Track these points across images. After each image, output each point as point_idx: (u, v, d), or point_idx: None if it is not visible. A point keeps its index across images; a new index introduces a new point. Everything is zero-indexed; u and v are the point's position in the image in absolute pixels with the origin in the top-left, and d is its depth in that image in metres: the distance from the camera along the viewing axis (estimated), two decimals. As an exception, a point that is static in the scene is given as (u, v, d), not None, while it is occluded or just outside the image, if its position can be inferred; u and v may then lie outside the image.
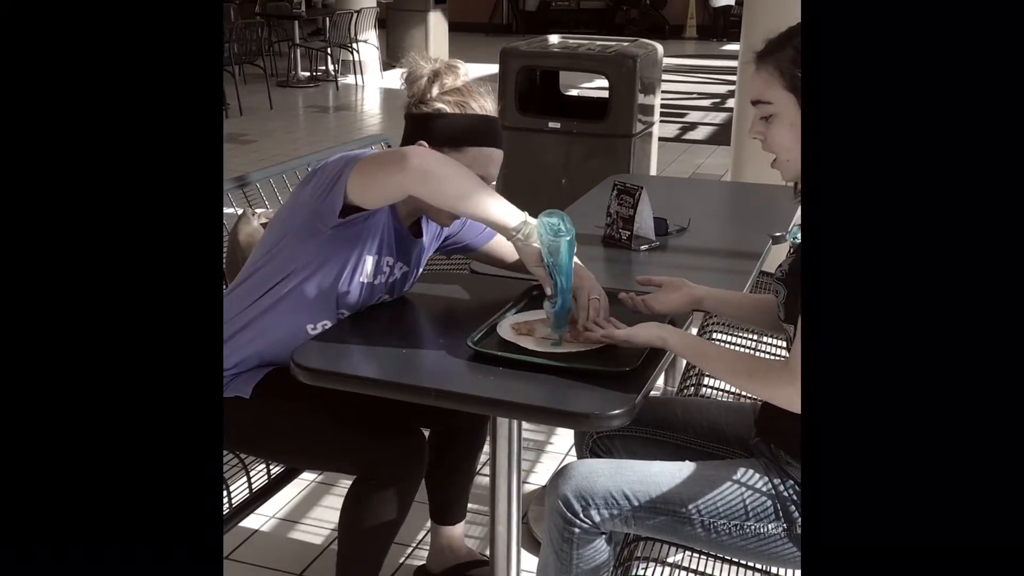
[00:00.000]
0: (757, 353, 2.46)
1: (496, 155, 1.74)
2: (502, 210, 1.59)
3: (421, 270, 1.90)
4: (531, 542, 2.21)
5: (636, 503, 1.48)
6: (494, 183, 1.75)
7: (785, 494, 1.47)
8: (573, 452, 2.54)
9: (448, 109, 1.70)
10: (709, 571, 1.61)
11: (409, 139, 1.73)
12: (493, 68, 4.33)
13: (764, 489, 1.48)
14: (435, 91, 1.71)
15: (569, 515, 1.50)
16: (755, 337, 2.56)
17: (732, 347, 2.47)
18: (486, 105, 1.74)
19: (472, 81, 1.77)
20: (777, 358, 1.55)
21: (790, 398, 1.37)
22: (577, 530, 1.50)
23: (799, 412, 1.39)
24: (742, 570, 1.62)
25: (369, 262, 1.72)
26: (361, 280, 1.72)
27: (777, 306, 1.55)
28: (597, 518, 1.49)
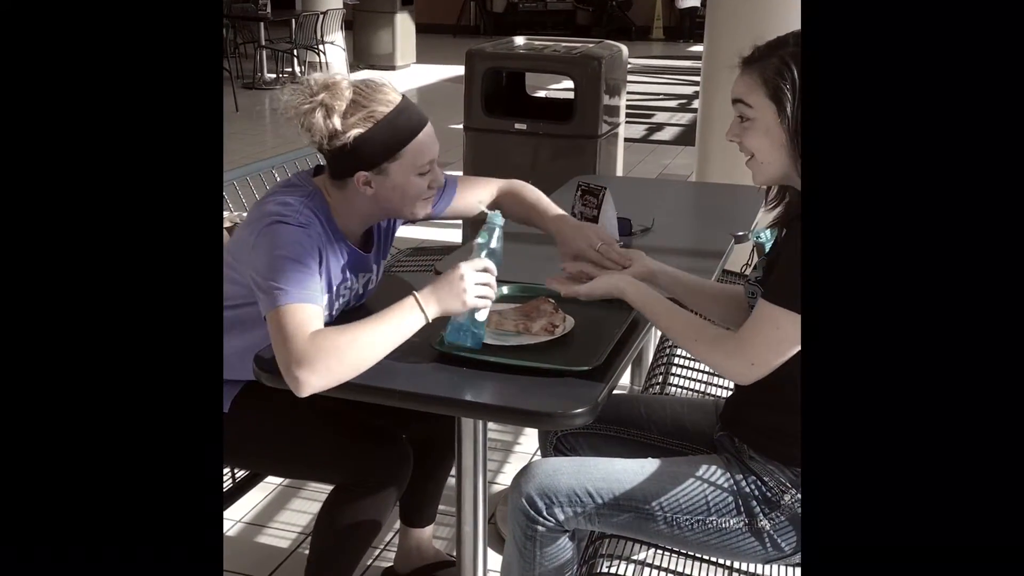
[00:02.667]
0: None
1: (427, 134, 1.67)
2: (406, 324, 1.51)
3: (382, 269, 1.90)
4: (498, 542, 2.21)
5: (599, 500, 1.49)
6: (434, 160, 1.70)
7: (747, 489, 1.49)
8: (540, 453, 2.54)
9: (362, 129, 1.61)
10: (673, 567, 1.62)
11: (342, 175, 1.65)
12: (460, 69, 4.33)
13: (725, 485, 1.50)
14: (338, 123, 1.60)
15: (533, 513, 1.50)
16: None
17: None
18: (389, 98, 1.65)
19: (358, 83, 1.67)
20: (727, 329, 1.57)
21: (730, 369, 1.46)
22: (541, 528, 1.50)
23: (739, 382, 1.47)
24: (706, 566, 1.64)
25: (326, 298, 1.69)
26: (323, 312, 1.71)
27: (750, 305, 1.56)
28: (561, 516, 1.50)
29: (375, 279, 1.85)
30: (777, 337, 1.39)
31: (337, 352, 1.47)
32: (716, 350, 1.46)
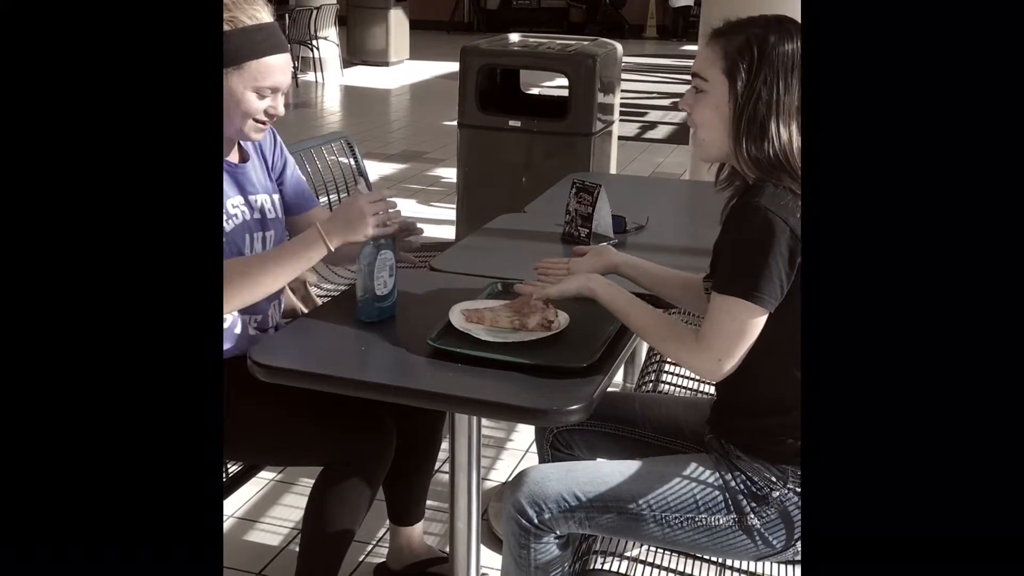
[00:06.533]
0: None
1: (280, 61, 1.71)
2: (307, 252, 1.64)
3: (278, 205, 1.88)
4: (491, 538, 2.22)
5: (588, 503, 1.50)
6: (285, 92, 1.74)
7: (735, 486, 1.50)
8: (533, 449, 2.55)
9: None
10: (666, 563, 1.63)
11: None
12: (454, 66, 4.33)
13: (714, 482, 1.50)
14: None
15: (524, 522, 1.51)
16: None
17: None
18: (257, 14, 1.70)
19: None
20: (693, 325, 1.58)
21: (699, 367, 1.47)
22: (533, 535, 1.51)
23: (711, 380, 1.47)
24: (698, 563, 1.64)
25: None
26: None
27: (704, 289, 1.57)
28: (552, 522, 1.51)
29: (273, 210, 1.84)
30: (735, 328, 1.40)
31: (231, 274, 1.57)
32: (683, 348, 1.46)
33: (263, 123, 1.74)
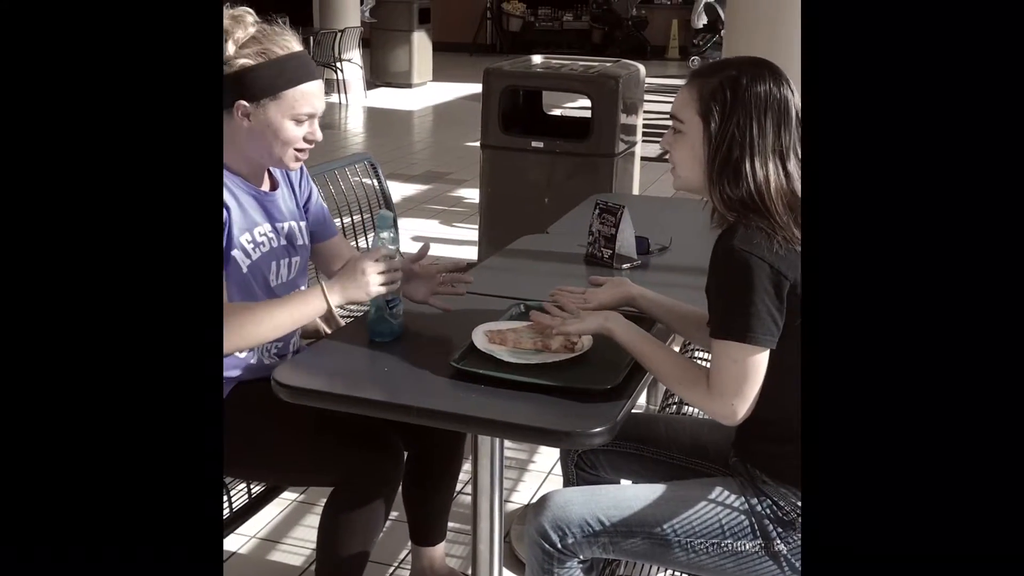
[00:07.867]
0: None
1: (314, 87, 1.74)
2: (308, 308, 1.67)
3: (306, 233, 1.90)
4: (513, 561, 2.21)
5: (612, 527, 1.49)
6: (318, 116, 1.77)
7: (760, 511, 1.48)
8: (556, 470, 2.54)
9: (251, 62, 1.67)
10: (691, 589, 1.61)
11: (226, 104, 1.70)
12: (477, 87, 4.35)
13: (739, 507, 1.49)
14: (231, 49, 1.67)
15: (547, 546, 1.50)
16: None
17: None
18: (288, 44, 1.72)
19: (265, 25, 1.74)
20: (707, 365, 1.57)
21: (714, 411, 1.45)
22: (556, 560, 1.50)
23: (729, 423, 1.45)
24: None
25: (237, 253, 1.72)
26: (243, 270, 1.73)
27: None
28: (575, 547, 1.50)
29: (300, 236, 1.86)
30: (738, 370, 1.40)
31: (234, 320, 1.60)
32: (696, 394, 1.46)
33: (301, 151, 1.76)
